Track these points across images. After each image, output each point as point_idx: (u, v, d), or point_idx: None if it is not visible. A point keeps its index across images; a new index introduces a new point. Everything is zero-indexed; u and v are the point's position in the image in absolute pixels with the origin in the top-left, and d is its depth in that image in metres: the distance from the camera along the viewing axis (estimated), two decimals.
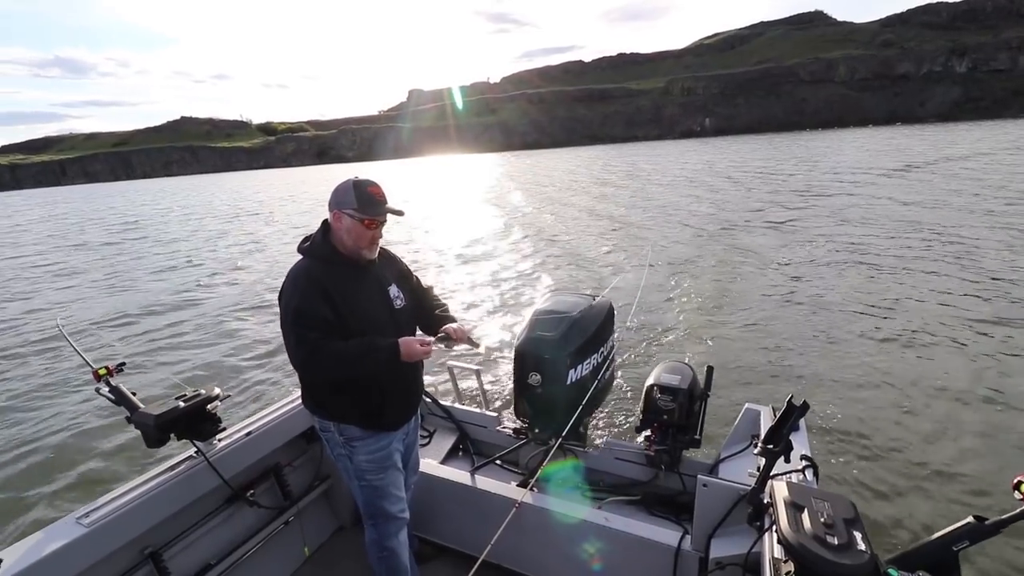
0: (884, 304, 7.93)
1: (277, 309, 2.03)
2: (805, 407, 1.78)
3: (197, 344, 8.38)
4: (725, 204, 19.54)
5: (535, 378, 2.61)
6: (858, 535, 1.39)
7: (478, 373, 3.42)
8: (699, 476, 2.17)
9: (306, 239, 2.12)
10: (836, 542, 1.36)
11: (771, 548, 1.66)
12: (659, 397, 2.69)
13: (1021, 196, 16.19)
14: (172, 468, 2.24)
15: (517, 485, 2.73)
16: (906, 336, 6.74)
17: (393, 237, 16.43)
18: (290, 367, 6.89)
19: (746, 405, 2.79)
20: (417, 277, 2.42)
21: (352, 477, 2.23)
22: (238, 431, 2.52)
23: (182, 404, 2.20)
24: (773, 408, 2.61)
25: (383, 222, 2.07)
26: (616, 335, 3.00)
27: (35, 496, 4.70)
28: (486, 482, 2.71)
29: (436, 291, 2.52)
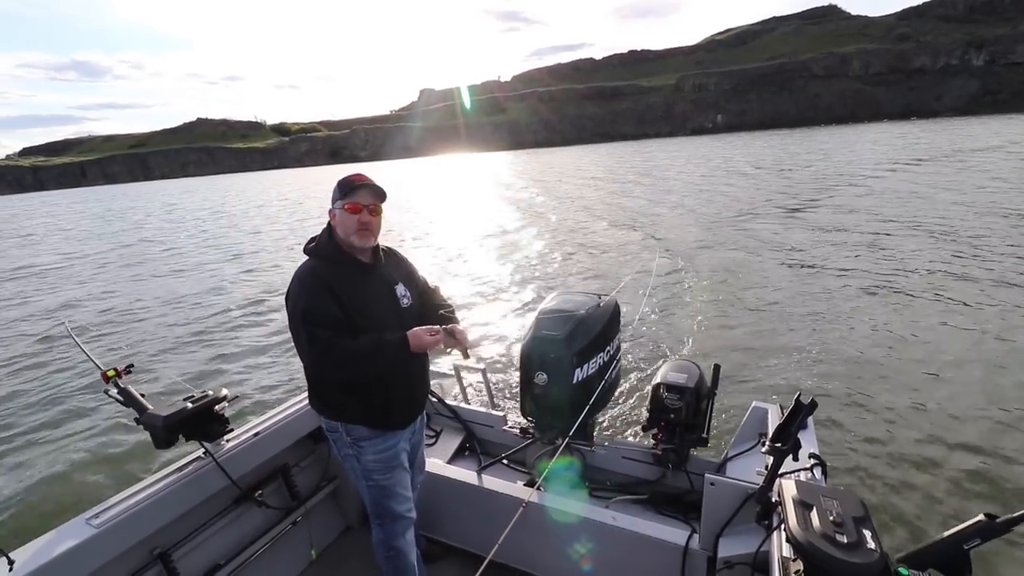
0: (894, 301, 7.84)
1: (284, 309, 2.04)
2: (813, 405, 1.76)
3: (205, 345, 8.43)
4: (733, 201, 19.38)
5: (541, 377, 2.60)
6: (868, 533, 1.38)
7: (484, 372, 3.41)
8: (707, 475, 2.15)
9: (312, 240, 2.13)
10: (846, 540, 1.34)
11: (780, 547, 1.64)
12: (666, 396, 2.67)
13: None
14: (180, 469, 2.25)
15: (524, 484, 2.72)
16: (917, 334, 6.65)
17: (404, 235, 16.59)
18: (296, 368, 6.92)
19: (754, 403, 2.76)
20: (424, 278, 2.42)
21: (359, 477, 2.23)
22: (246, 432, 2.53)
23: (190, 405, 2.22)
24: (781, 406, 2.58)
25: (369, 208, 2.05)
26: (622, 334, 2.99)
27: (44, 497, 4.75)
28: (493, 482, 2.70)
29: (444, 291, 2.51)
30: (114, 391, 2.26)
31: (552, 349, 2.58)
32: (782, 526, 1.56)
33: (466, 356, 2.26)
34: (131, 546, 2.04)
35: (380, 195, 2.08)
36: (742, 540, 2.01)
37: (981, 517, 1.40)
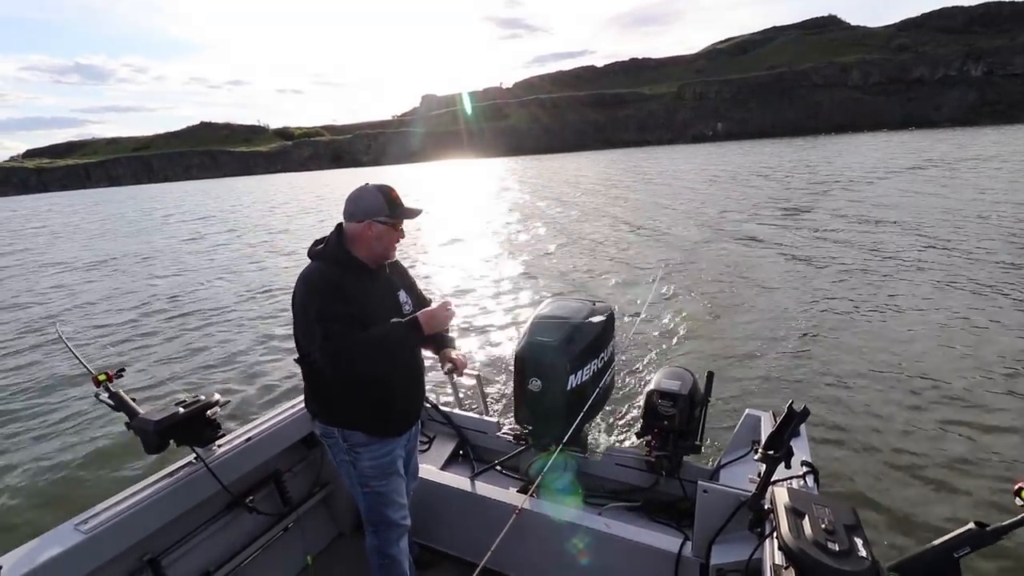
0: (886, 311, 7.85)
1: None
2: (806, 413, 1.76)
3: (197, 350, 8.35)
4: (728, 210, 19.40)
5: (536, 383, 2.60)
6: (859, 541, 1.38)
7: (478, 378, 3.41)
8: (700, 482, 2.16)
9: (318, 243, 2.13)
10: (837, 548, 1.35)
11: (772, 554, 1.64)
12: (660, 403, 2.67)
13: None
14: (171, 474, 2.24)
15: (517, 491, 2.72)
16: (909, 343, 6.65)
17: (406, 240, 16.38)
18: (288, 373, 6.90)
19: (747, 411, 2.77)
20: (420, 291, 2.45)
21: (355, 483, 2.22)
22: (238, 437, 2.52)
23: (182, 410, 2.20)
24: (774, 414, 2.59)
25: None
26: (617, 340, 2.98)
27: (33, 502, 4.70)
28: (486, 488, 2.70)
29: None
30: (105, 395, 2.24)
31: (547, 355, 2.58)
32: (774, 534, 1.56)
33: (460, 374, 2.33)
34: (121, 552, 2.02)
35: (419, 214, 2.16)
36: (735, 547, 2.00)
37: (971, 525, 1.41)
